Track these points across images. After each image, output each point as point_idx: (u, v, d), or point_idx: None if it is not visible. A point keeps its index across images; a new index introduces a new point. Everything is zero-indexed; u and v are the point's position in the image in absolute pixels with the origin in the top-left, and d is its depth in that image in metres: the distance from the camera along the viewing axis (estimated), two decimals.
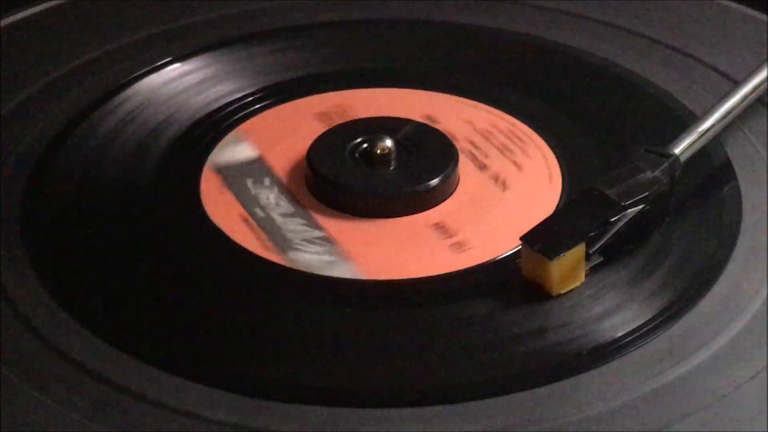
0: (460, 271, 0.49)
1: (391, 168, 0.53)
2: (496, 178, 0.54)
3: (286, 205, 0.52)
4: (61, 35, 0.63)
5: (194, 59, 0.61)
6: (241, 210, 0.52)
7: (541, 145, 0.56)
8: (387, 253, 0.50)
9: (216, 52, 0.62)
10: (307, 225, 0.51)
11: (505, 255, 0.50)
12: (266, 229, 0.51)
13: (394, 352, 0.46)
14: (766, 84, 0.55)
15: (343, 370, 0.45)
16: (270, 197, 0.53)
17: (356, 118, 0.57)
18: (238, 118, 0.58)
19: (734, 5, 0.65)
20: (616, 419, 0.43)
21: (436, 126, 0.56)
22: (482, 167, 0.55)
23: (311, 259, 0.49)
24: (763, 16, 0.64)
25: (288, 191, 0.53)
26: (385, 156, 0.53)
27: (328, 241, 0.50)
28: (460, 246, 0.50)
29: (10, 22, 0.64)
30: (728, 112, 0.53)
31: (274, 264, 0.49)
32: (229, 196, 0.53)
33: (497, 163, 0.55)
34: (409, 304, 0.48)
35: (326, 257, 0.50)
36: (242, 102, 0.59)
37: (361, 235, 0.51)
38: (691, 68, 0.60)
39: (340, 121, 0.56)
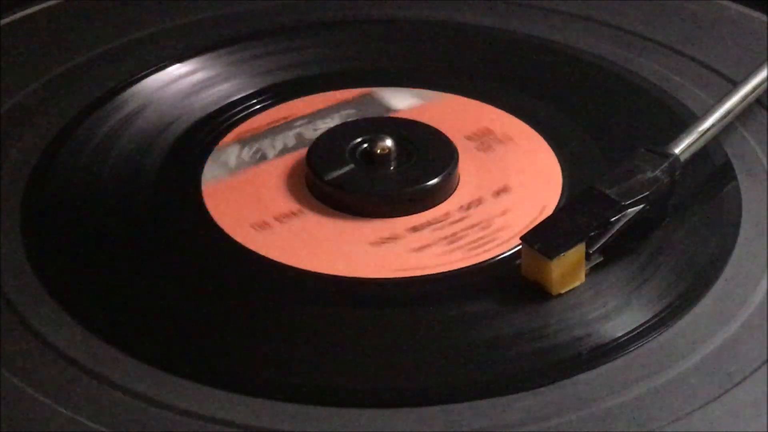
0: (459, 270, 0.49)
1: (391, 168, 0.53)
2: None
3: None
4: (61, 35, 0.63)
5: (194, 59, 0.61)
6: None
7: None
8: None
9: (216, 52, 0.62)
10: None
11: (503, 255, 0.50)
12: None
13: (393, 351, 0.46)
14: (765, 84, 0.55)
15: (343, 370, 0.45)
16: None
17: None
18: (238, 119, 0.57)
19: (734, 5, 0.65)
20: (616, 419, 0.43)
21: (436, 126, 0.56)
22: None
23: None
24: (763, 16, 0.64)
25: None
26: (385, 156, 0.53)
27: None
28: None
29: (10, 21, 0.64)
30: (728, 112, 0.53)
31: (275, 263, 0.49)
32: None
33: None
34: (409, 304, 0.48)
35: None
36: (242, 103, 0.59)
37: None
38: (691, 68, 0.60)
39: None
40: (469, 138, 0.56)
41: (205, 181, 0.54)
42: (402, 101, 0.59)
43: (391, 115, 0.57)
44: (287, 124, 0.57)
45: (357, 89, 0.59)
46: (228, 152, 0.55)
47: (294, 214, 0.52)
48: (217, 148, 0.55)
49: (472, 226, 0.51)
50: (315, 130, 0.56)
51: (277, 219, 0.52)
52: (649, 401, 0.43)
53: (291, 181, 0.54)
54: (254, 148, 0.55)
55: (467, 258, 0.50)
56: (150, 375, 0.44)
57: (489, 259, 0.50)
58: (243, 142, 0.56)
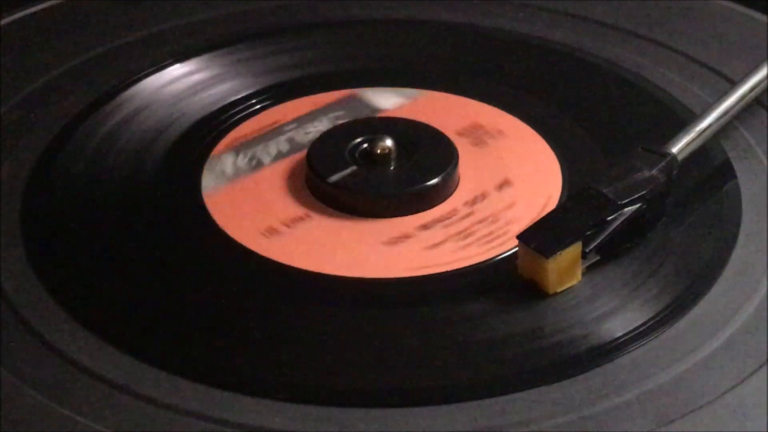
0: (457, 270, 0.49)
1: (392, 168, 0.53)
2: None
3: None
4: (61, 35, 0.63)
5: (194, 59, 0.61)
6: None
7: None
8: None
9: (216, 52, 0.62)
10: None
11: (502, 255, 0.50)
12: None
13: (392, 351, 0.46)
14: (764, 83, 0.55)
15: (342, 370, 0.45)
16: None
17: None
18: (238, 119, 0.57)
19: (734, 5, 0.65)
20: (616, 419, 0.43)
21: (436, 125, 0.56)
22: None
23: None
24: (763, 16, 0.64)
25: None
26: (385, 156, 0.53)
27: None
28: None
29: (10, 21, 0.64)
30: (726, 112, 0.53)
31: (292, 268, 0.49)
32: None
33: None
34: (406, 304, 0.48)
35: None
36: (242, 103, 0.59)
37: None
38: (691, 68, 0.60)
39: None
40: (460, 134, 0.56)
41: (205, 189, 0.53)
42: (387, 101, 0.59)
43: (379, 115, 0.57)
44: (277, 129, 0.57)
45: (340, 91, 0.59)
46: (223, 160, 0.55)
47: (301, 218, 0.52)
48: (211, 156, 0.55)
49: (481, 221, 0.51)
50: (306, 133, 0.56)
51: (285, 224, 0.51)
52: (648, 401, 0.43)
53: (292, 185, 0.54)
54: (249, 155, 0.55)
55: (483, 252, 0.50)
56: (150, 375, 0.44)
57: (503, 253, 0.50)
58: (236, 149, 0.56)
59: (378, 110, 0.58)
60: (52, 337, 0.46)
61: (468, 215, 0.52)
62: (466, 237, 0.51)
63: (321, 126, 0.57)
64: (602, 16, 0.64)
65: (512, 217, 0.52)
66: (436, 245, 0.50)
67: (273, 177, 0.54)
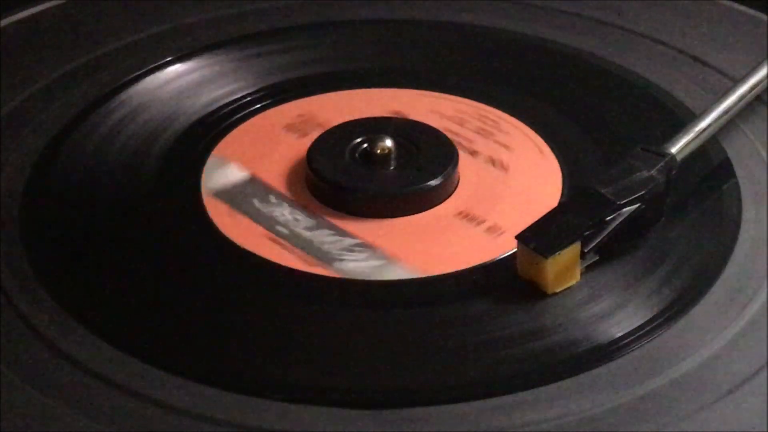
0: (457, 271, 0.49)
1: (391, 168, 0.53)
2: (496, 171, 0.54)
3: (304, 219, 0.52)
4: (61, 35, 0.63)
5: (194, 59, 0.61)
6: (262, 230, 0.51)
7: (541, 144, 0.56)
8: (406, 251, 0.50)
9: (216, 52, 0.62)
10: (336, 234, 0.51)
11: (502, 255, 0.50)
12: (300, 246, 0.50)
13: (392, 351, 0.46)
14: (764, 83, 0.55)
15: (343, 370, 0.45)
16: (285, 213, 0.52)
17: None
18: (237, 119, 0.57)
19: (734, 5, 0.65)
20: (616, 419, 0.43)
21: (435, 125, 0.56)
22: (481, 166, 0.55)
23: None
24: (763, 16, 0.64)
25: (298, 204, 0.53)
26: (385, 156, 0.53)
27: (364, 246, 0.50)
28: (493, 230, 0.50)
29: (10, 22, 0.64)
30: (725, 112, 0.53)
31: (276, 264, 0.49)
32: (242, 219, 0.52)
33: (497, 162, 0.55)
34: (407, 304, 0.48)
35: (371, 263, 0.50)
36: (241, 103, 0.59)
37: (375, 235, 0.51)
38: (691, 68, 0.60)
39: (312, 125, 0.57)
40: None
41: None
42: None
43: (378, 115, 0.57)
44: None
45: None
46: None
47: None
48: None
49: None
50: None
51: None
52: (649, 401, 0.43)
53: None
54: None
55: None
56: (150, 375, 0.44)
57: (502, 253, 0.50)
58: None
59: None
60: (53, 337, 0.46)
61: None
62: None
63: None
64: (602, 16, 0.64)
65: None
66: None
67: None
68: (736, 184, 0.53)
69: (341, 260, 0.50)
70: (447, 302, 0.48)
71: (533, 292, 0.47)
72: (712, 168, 0.54)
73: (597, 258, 0.48)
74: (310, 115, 0.58)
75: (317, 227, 0.51)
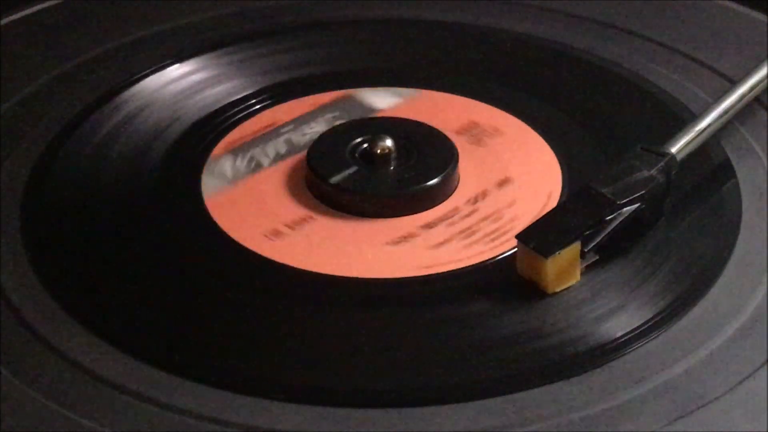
0: (457, 270, 0.49)
1: (392, 167, 0.53)
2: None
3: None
4: (61, 35, 0.63)
5: (194, 59, 0.61)
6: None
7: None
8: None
9: (216, 52, 0.62)
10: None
11: (502, 255, 0.50)
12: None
13: (393, 351, 0.46)
14: (764, 83, 0.55)
15: (343, 370, 0.45)
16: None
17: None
18: (236, 120, 0.57)
19: (734, 5, 0.65)
20: (616, 419, 0.43)
21: (434, 124, 0.56)
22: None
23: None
24: (763, 16, 0.64)
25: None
26: (385, 156, 0.53)
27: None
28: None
29: (10, 21, 0.64)
30: (725, 111, 0.53)
31: (297, 270, 0.49)
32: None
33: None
34: (407, 304, 0.48)
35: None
36: (241, 103, 0.59)
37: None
38: (691, 68, 0.60)
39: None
40: (458, 132, 0.56)
41: (206, 190, 0.53)
42: (383, 101, 0.59)
43: (377, 114, 0.57)
44: (274, 131, 0.57)
45: (335, 92, 0.59)
46: (222, 161, 0.55)
47: (304, 219, 0.52)
48: (211, 157, 0.55)
49: (484, 219, 0.51)
50: (303, 135, 0.56)
51: (288, 226, 0.51)
52: (649, 401, 0.43)
53: (293, 187, 0.54)
54: (247, 157, 0.55)
55: (488, 250, 0.50)
56: (150, 375, 0.44)
57: (502, 253, 0.50)
58: (234, 151, 0.55)
59: (374, 110, 0.58)
60: (53, 337, 0.46)
61: (470, 213, 0.52)
62: (470, 235, 0.51)
63: (318, 127, 0.57)
64: (602, 16, 0.64)
65: (515, 214, 0.52)
66: (440, 244, 0.50)
67: (273, 178, 0.54)
68: (736, 184, 0.53)
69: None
70: (447, 302, 0.48)
71: (533, 291, 0.47)
72: (712, 168, 0.54)
73: (597, 258, 0.48)
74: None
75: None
